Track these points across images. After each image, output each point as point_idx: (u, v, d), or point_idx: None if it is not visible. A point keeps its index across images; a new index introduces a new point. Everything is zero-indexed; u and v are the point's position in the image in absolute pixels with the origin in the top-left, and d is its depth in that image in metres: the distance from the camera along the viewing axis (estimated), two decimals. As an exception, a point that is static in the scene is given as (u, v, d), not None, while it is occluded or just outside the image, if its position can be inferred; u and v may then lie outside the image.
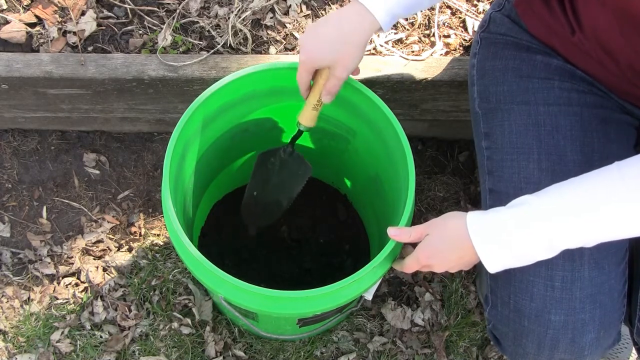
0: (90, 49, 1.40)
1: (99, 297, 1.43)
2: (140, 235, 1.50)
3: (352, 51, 0.96)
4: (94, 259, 1.47)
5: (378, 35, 1.43)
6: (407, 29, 1.45)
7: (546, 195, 0.85)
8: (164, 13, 1.44)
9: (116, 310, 1.41)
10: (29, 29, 1.39)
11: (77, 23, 1.40)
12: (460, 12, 1.47)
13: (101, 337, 1.39)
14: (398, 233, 0.95)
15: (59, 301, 1.43)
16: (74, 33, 1.40)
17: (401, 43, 1.44)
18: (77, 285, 1.45)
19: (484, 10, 1.47)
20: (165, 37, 1.40)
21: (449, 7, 1.48)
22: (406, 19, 1.46)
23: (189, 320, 1.40)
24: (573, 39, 1.00)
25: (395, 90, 1.39)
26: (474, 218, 0.88)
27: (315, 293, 0.92)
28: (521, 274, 0.97)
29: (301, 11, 1.45)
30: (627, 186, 0.78)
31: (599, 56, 0.99)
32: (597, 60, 1.00)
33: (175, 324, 1.39)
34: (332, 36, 0.96)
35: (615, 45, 0.94)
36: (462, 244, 0.88)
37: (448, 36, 1.45)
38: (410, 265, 0.95)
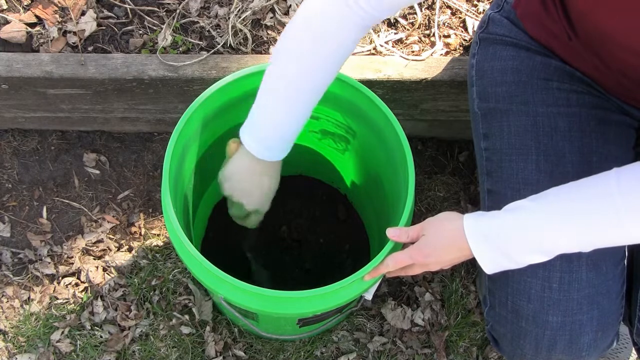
0: (90, 49, 1.40)
1: (99, 297, 1.43)
2: (140, 235, 1.50)
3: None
4: (94, 259, 1.47)
5: (378, 36, 1.43)
6: (407, 29, 1.45)
7: (542, 200, 0.85)
8: (164, 13, 1.44)
9: (116, 310, 1.41)
10: (29, 29, 1.39)
11: (77, 23, 1.40)
12: (460, 12, 1.47)
13: (101, 337, 1.39)
14: (397, 234, 0.95)
15: (59, 301, 1.43)
16: (74, 33, 1.40)
17: (401, 43, 1.44)
18: (77, 285, 1.45)
19: (483, 10, 1.47)
20: (165, 37, 1.40)
21: (449, 7, 1.48)
22: (406, 19, 1.46)
23: (189, 320, 1.40)
24: (570, 42, 1.01)
25: (395, 90, 1.39)
26: (471, 220, 0.89)
27: (315, 293, 0.92)
28: (519, 275, 0.97)
29: (301, 11, 1.45)
30: (623, 195, 0.78)
31: (594, 61, 0.99)
32: (592, 64, 1.00)
33: (175, 324, 1.39)
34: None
35: (605, 53, 0.95)
36: (460, 245, 0.88)
37: (448, 36, 1.45)
38: (401, 259, 0.94)
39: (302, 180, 1.54)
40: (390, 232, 0.96)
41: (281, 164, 1.04)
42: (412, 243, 0.95)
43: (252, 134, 0.98)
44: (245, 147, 0.99)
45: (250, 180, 1.03)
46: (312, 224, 1.52)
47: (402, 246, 0.99)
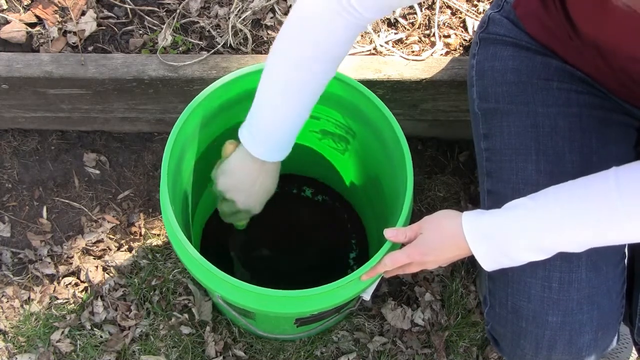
0: (90, 49, 1.40)
1: (99, 297, 1.43)
2: (140, 235, 1.50)
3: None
4: (94, 259, 1.47)
5: (378, 36, 1.43)
6: (407, 29, 1.45)
7: (542, 198, 0.85)
8: (164, 13, 1.44)
9: (116, 310, 1.42)
10: (29, 29, 1.40)
11: (77, 23, 1.40)
12: (460, 12, 1.47)
13: (101, 337, 1.39)
14: (395, 234, 0.95)
15: (59, 301, 1.43)
16: (74, 33, 1.40)
17: (401, 43, 1.44)
18: (77, 285, 1.45)
19: (484, 10, 1.47)
20: (165, 37, 1.40)
21: (449, 7, 1.48)
22: (406, 19, 1.46)
23: (188, 320, 1.40)
24: (571, 42, 1.00)
25: (395, 90, 1.39)
26: (470, 218, 0.89)
27: (312, 292, 0.92)
28: (519, 276, 0.97)
29: (301, 11, 1.45)
30: (622, 193, 0.78)
31: (595, 61, 0.99)
32: (593, 64, 1.00)
33: (175, 324, 1.39)
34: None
35: (606, 55, 0.95)
36: (458, 243, 0.89)
37: (448, 36, 1.45)
38: (399, 259, 0.94)
39: (301, 179, 1.54)
40: (388, 233, 0.96)
41: (280, 166, 1.04)
42: (410, 242, 0.95)
43: (251, 135, 0.98)
44: (244, 147, 0.99)
45: (245, 178, 1.03)
46: (312, 224, 1.52)
47: (401, 245, 0.99)
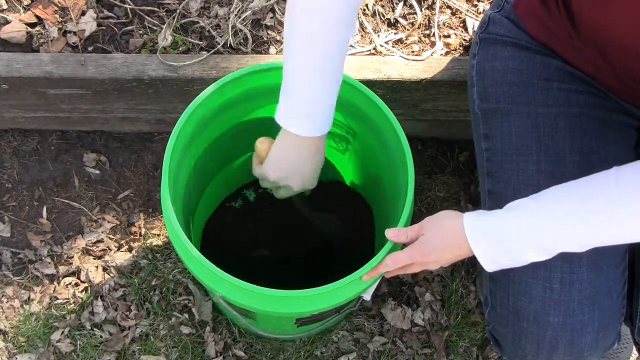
0: (90, 49, 1.40)
1: (99, 297, 1.43)
2: (140, 235, 1.50)
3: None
4: (94, 259, 1.47)
5: (378, 36, 1.43)
6: (407, 29, 1.45)
7: (543, 199, 0.85)
8: (164, 13, 1.44)
9: (116, 310, 1.42)
10: (29, 29, 1.40)
11: (77, 23, 1.40)
12: (460, 12, 1.47)
13: (101, 337, 1.39)
14: (396, 234, 0.95)
15: (59, 301, 1.43)
16: (74, 33, 1.40)
17: (401, 43, 1.44)
18: (77, 285, 1.45)
19: (484, 10, 1.47)
20: (165, 37, 1.40)
21: (449, 7, 1.48)
22: (406, 19, 1.46)
23: (188, 320, 1.40)
24: (572, 42, 1.00)
25: (395, 90, 1.39)
26: (471, 219, 0.89)
27: (312, 292, 0.92)
28: (520, 276, 0.97)
29: (301, 11, 1.45)
30: (622, 193, 0.78)
31: (595, 60, 0.99)
32: (594, 64, 1.00)
33: (175, 324, 1.39)
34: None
35: (608, 53, 0.95)
36: (459, 243, 0.89)
37: (448, 36, 1.45)
38: (400, 259, 0.94)
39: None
40: (389, 233, 0.96)
41: (326, 139, 1.04)
42: (411, 242, 0.95)
43: (292, 116, 0.97)
44: (286, 132, 0.98)
45: (298, 162, 1.03)
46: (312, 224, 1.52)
47: (402, 246, 0.99)
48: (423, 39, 1.45)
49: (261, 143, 1.07)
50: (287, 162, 1.03)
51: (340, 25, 0.94)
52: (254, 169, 1.09)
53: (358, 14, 1.45)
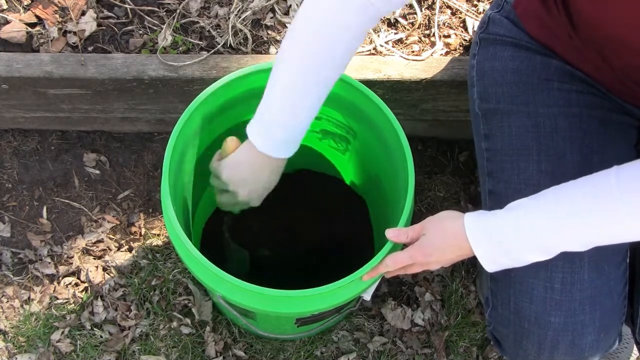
0: (90, 49, 1.40)
1: (99, 297, 1.43)
2: (140, 235, 1.50)
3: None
4: (94, 259, 1.47)
5: (378, 36, 1.43)
6: (407, 29, 1.45)
7: (543, 199, 0.85)
8: (164, 13, 1.44)
9: (116, 310, 1.42)
10: (29, 29, 1.39)
11: (77, 23, 1.40)
12: (460, 12, 1.47)
13: (101, 337, 1.39)
14: (396, 234, 0.95)
15: (59, 301, 1.43)
16: (74, 33, 1.40)
17: (401, 43, 1.44)
18: (77, 285, 1.45)
19: (484, 10, 1.47)
20: (165, 37, 1.40)
21: (449, 7, 1.48)
22: (406, 19, 1.46)
23: (188, 320, 1.40)
24: (571, 42, 1.00)
25: (395, 90, 1.39)
26: (472, 219, 0.89)
27: (313, 293, 0.92)
28: (521, 276, 0.97)
29: (301, 11, 1.45)
30: (622, 192, 0.78)
31: (595, 60, 0.99)
32: (594, 63, 1.00)
33: (175, 324, 1.39)
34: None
35: (607, 52, 0.94)
36: (460, 243, 0.89)
37: (448, 36, 1.45)
38: (401, 259, 0.94)
39: (307, 175, 1.53)
40: (390, 233, 0.96)
41: (285, 163, 1.04)
42: (412, 243, 0.95)
43: (261, 132, 0.97)
44: (252, 143, 0.98)
45: (252, 173, 1.02)
46: (312, 220, 1.52)
47: (402, 246, 0.99)
48: (423, 39, 1.45)
49: (231, 141, 1.06)
50: (242, 172, 1.03)
51: (332, 69, 0.95)
52: (212, 162, 1.08)
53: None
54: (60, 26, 1.41)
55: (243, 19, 1.42)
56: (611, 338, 0.99)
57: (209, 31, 1.42)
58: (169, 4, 1.44)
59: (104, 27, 1.42)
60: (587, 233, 0.82)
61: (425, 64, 1.38)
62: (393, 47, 1.42)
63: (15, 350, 1.38)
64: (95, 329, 1.40)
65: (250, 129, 0.98)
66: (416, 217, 1.52)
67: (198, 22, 1.43)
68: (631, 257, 1.03)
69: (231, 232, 1.34)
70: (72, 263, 1.46)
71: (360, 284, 0.97)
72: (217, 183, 1.07)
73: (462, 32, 1.45)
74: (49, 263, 1.46)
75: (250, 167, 1.02)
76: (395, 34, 1.44)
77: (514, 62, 1.08)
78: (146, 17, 1.44)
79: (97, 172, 1.56)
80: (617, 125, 1.04)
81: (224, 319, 1.43)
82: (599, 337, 0.96)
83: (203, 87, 1.10)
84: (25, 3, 1.43)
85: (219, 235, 1.33)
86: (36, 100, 1.44)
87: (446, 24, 1.46)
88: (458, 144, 1.63)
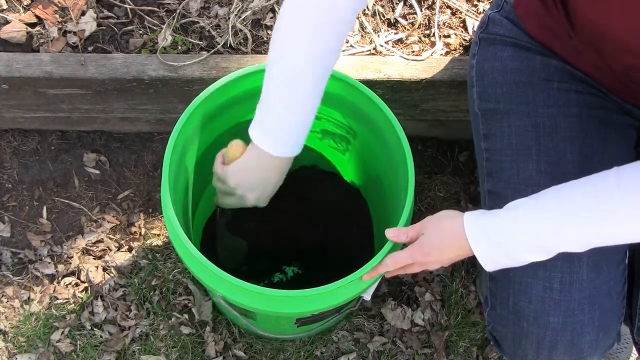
0: (90, 49, 1.40)
1: (99, 297, 1.43)
2: (140, 235, 1.50)
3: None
4: (94, 259, 1.47)
5: (378, 36, 1.43)
6: (407, 29, 1.45)
7: (543, 199, 0.85)
8: (164, 13, 1.44)
9: (116, 310, 1.42)
10: (29, 29, 1.40)
11: (77, 23, 1.40)
12: (460, 12, 1.47)
13: (101, 337, 1.39)
14: (396, 234, 0.95)
15: (59, 301, 1.43)
16: (74, 33, 1.40)
17: (401, 43, 1.44)
18: (77, 285, 1.45)
19: (484, 10, 1.47)
20: (165, 37, 1.40)
21: (449, 7, 1.48)
22: (406, 19, 1.46)
23: (188, 321, 1.40)
24: (571, 42, 1.00)
25: (395, 90, 1.39)
26: (471, 218, 0.89)
27: (312, 292, 0.92)
28: (520, 276, 0.97)
29: (301, 11, 1.45)
30: (622, 193, 0.78)
31: (595, 60, 0.99)
32: (593, 64, 1.00)
33: (175, 324, 1.39)
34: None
35: (606, 53, 0.94)
36: (459, 243, 0.89)
37: (448, 36, 1.45)
38: (400, 259, 0.94)
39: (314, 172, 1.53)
40: (390, 233, 0.96)
41: (292, 161, 1.03)
42: (412, 242, 0.95)
43: (264, 132, 0.96)
44: (256, 145, 0.97)
45: (261, 176, 1.01)
46: (312, 220, 1.52)
47: (402, 245, 0.99)
48: (423, 39, 1.45)
49: (236, 145, 1.04)
50: (252, 174, 1.02)
51: (328, 56, 0.94)
52: (215, 166, 1.06)
53: (358, 15, 1.45)
54: (60, 26, 1.41)
55: (243, 19, 1.42)
56: (610, 338, 0.99)
57: (208, 31, 1.42)
58: (169, 4, 1.44)
59: (104, 27, 1.42)
60: (586, 233, 0.82)
61: (425, 64, 1.38)
62: (393, 47, 1.42)
63: (15, 350, 1.38)
64: (95, 329, 1.40)
65: (253, 132, 0.97)
66: (416, 217, 1.51)
67: (198, 22, 1.43)
68: (630, 257, 1.03)
69: (229, 226, 1.34)
70: (72, 263, 1.46)
71: (360, 284, 0.97)
72: (223, 187, 1.06)
73: (462, 32, 1.45)
74: (49, 263, 1.46)
75: (259, 172, 1.01)
76: (395, 34, 1.44)
77: (514, 62, 1.08)
78: (146, 17, 1.44)
79: (97, 172, 1.56)
80: (617, 126, 1.03)
81: (224, 319, 1.43)
82: (598, 337, 0.96)
83: (203, 87, 1.10)
84: (25, 3, 1.43)
85: (214, 224, 1.32)
86: (36, 100, 1.45)
87: (446, 24, 1.46)
88: (458, 144, 1.63)
